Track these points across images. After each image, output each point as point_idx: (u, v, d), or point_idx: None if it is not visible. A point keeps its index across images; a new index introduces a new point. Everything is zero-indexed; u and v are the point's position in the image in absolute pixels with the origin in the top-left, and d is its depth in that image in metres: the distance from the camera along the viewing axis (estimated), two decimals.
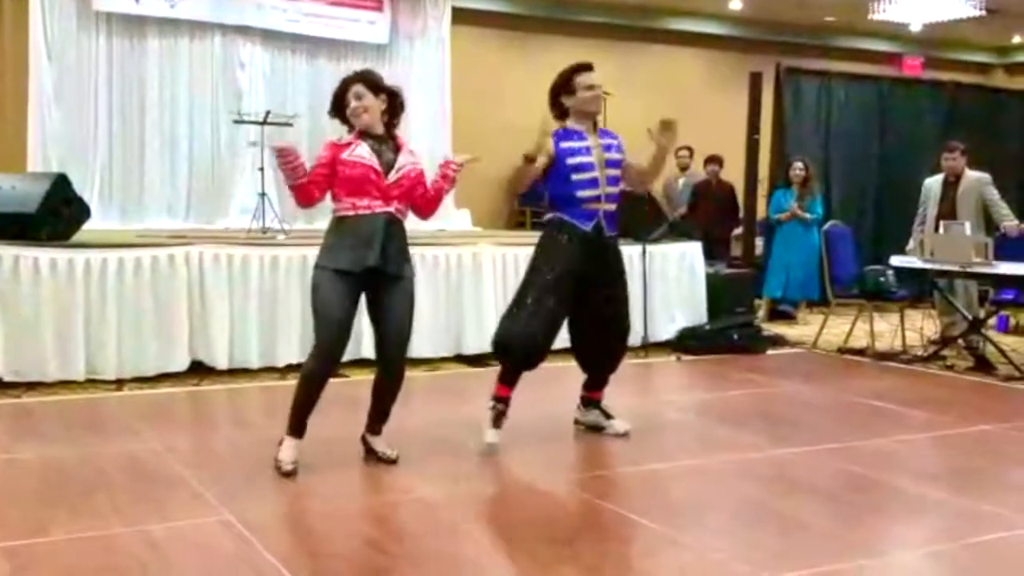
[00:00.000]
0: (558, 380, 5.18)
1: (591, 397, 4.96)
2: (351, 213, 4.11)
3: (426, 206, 4.32)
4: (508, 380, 4.67)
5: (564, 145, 4.60)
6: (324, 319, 4.10)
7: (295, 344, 6.37)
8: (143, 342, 5.97)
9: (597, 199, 4.60)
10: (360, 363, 6.39)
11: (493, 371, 6.52)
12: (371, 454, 4.35)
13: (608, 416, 4.93)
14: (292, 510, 3.70)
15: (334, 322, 4.08)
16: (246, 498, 3.78)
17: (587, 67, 4.69)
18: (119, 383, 5.85)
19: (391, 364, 4.27)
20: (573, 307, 4.64)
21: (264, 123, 8.55)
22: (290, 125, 9.33)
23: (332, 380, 3.99)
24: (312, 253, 6.35)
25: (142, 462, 4.28)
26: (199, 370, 6.13)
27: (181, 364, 6.08)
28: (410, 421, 4.80)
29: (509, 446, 4.57)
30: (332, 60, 11.14)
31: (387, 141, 4.20)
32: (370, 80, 4.20)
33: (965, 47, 15.94)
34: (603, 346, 4.79)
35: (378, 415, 4.37)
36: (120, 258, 5.95)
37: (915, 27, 13.65)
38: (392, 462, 4.29)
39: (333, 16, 10.94)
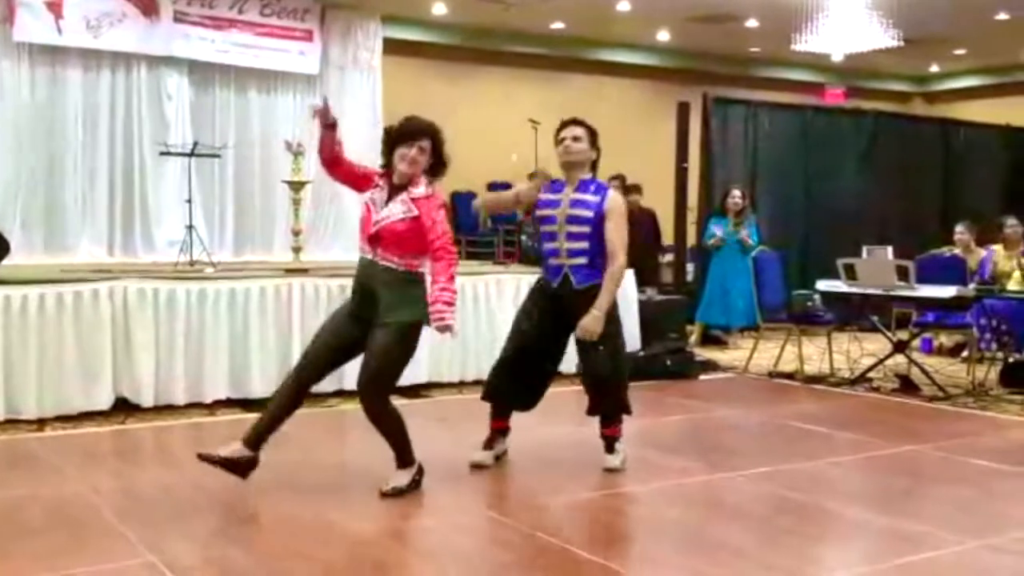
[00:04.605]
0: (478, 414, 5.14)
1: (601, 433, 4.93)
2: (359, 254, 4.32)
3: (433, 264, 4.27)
4: (492, 413, 4.90)
5: (542, 196, 4.74)
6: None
7: (223, 379, 6.25)
8: (65, 380, 5.80)
9: (556, 253, 4.69)
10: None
11: (424, 403, 6.51)
12: None
13: (609, 450, 4.86)
14: (219, 552, 3.61)
15: (311, 352, 4.32)
16: (172, 540, 3.68)
17: (570, 122, 4.81)
18: (40, 423, 5.67)
19: (360, 401, 4.30)
20: (544, 350, 4.80)
21: (191, 155, 8.44)
22: (218, 156, 9.23)
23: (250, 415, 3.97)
24: (241, 287, 6.38)
25: (65, 504, 4.15)
26: (124, 408, 5.97)
27: (105, 402, 5.91)
28: (342, 455, 4.74)
29: (437, 480, 4.52)
30: (262, 91, 11.07)
31: (403, 190, 4.23)
32: (439, 140, 4.30)
33: (885, 76, 16.42)
34: (587, 389, 4.90)
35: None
36: (41, 294, 5.78)
37: (837, 57, 14.02)
38: (384, 496, 4.22)
39: (263, 47, 10.86)
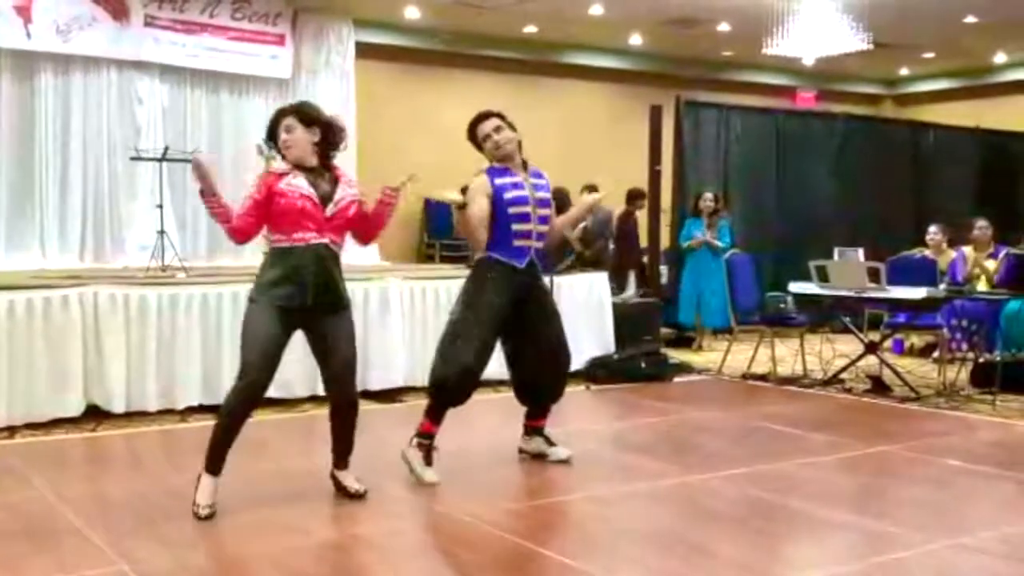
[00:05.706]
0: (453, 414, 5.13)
1: (533, 425, 4.98)
2: (286, 245, 4.06)
3: (366, 233, 4.30)
4: (436, 417, 4.64)
5: (499, 181, 4.66)
6: (250, 353, 4.01)
7: (195, 385, 6.20)
8: (35, 387, 5.74)
9: (528, 235, 4.67)
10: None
11: (400, 407, 6.49)
12: (341, 490, 4.27)
13: (550, 443, 4.97)
14: (192, 559, 3.58)
15: (261, 357, 3.98)
16: (144, 547, 3.64)
17: (482, 117, 4.74)
18: (10, 430, 5.60)
19: (342, 396, 4.20)
20: (506, 341, 4.71)
21: (163, 159, 8.38)
22: (190, 161, 9.16)
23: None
24: (213, 292, 6.34)
25: (34, 511, 4.10)
26: (95, 415, 5.92)
27: (76, 409, 5.86)
28: (313, 460, 4.71)
29: (411, 483, 4.50)
30: (233, 95, 11.01)
31: (323, 173, 4.14)
32: (303, 112, 4.15)
33: (856, 80, 16.55)
34: (544, 376, 4.81)
35: (341, 448, 4.27)
36: (11, 300, 5.72)
37: (807, 61, 14.11)
38: (360, 497, 4.21)
39: (234, 51, 10.81)
